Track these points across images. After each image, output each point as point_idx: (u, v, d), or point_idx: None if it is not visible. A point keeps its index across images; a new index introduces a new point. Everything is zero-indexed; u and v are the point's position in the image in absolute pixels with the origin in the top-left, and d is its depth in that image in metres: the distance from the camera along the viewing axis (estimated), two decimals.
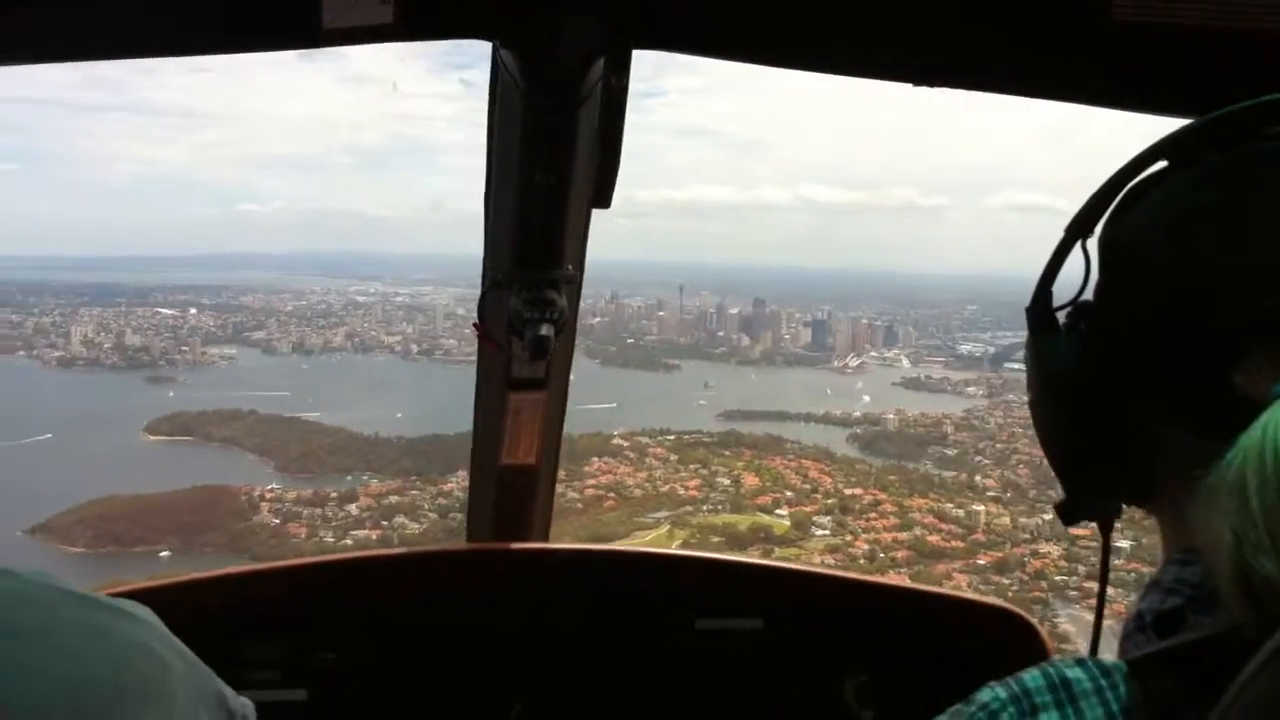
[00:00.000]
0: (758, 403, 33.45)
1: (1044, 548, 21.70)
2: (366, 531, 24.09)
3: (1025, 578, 21.34)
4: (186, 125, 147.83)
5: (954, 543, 23.18)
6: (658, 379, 36.45)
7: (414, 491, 25.59)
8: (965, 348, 34.92)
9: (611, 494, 25.71)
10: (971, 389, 32.29)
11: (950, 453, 27.83)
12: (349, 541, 23.45)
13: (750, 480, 26.31)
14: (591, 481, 25.94)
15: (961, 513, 23.67)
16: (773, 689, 3.11)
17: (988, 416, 29.34)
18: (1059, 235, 1.41)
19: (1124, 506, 1.48)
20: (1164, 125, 1.39)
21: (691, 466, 26.86)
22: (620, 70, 2.32)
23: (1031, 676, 1.20)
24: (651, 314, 39.20)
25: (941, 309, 39.41)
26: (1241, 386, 1.16)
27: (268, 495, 26.43)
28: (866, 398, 33.53)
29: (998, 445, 26.84)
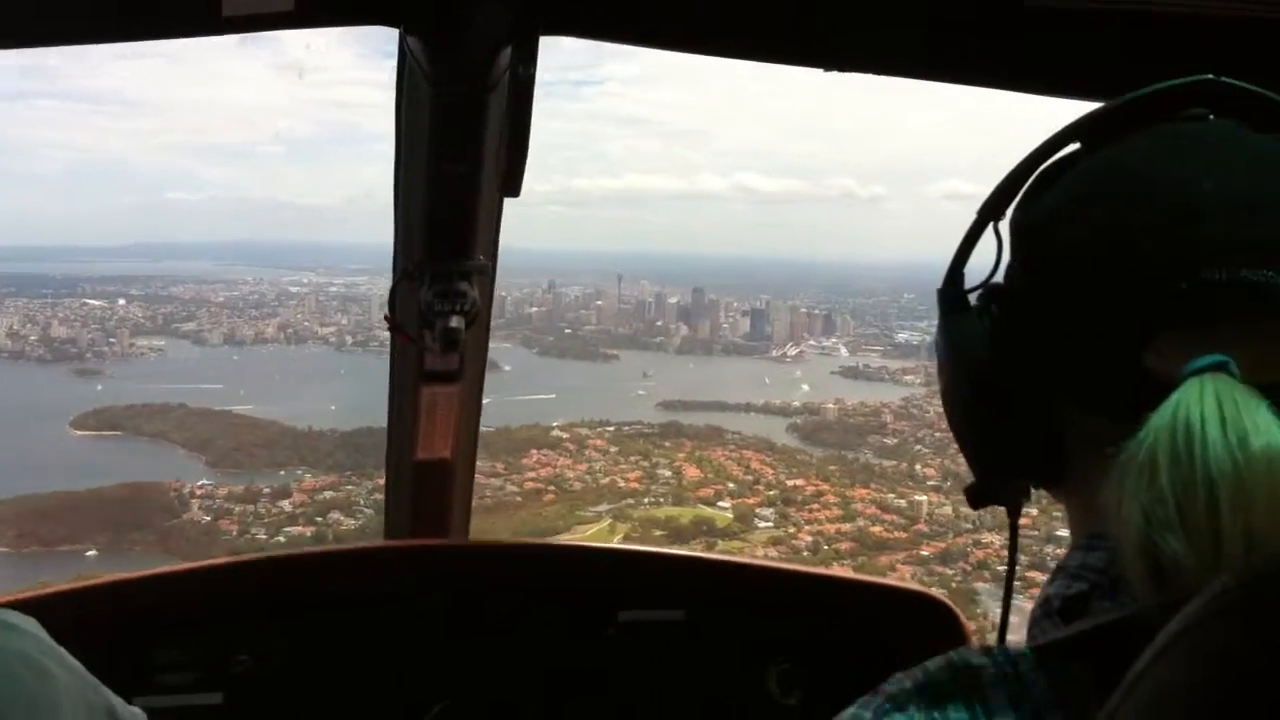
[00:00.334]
0: (697, 393, 33.41)
1: (986, 538, 21.85)
2: (300, 528, 23.56)
3: (969, 568, 21.52)
4: (119, 113, 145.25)
5: (897, 533, 23.28)
6: (596, 369, 36.29)
7: (349, 486, 25.15)
8: (902, 336, 35.18)
9: (551, 487, 25.49)
10: (909, 377, 32.50)
11: (890, 442, 28.05)
12: (282, 539, 22.97)
13: (691, 472, 26.22)
14: (531, 474, 25.71)
15: (904, 503, 23.81)
16: (696, 678, 3.12)
17: (926, 405, 29.42)
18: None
19: (1033, 491, 1.49)
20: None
21: (632, 458, 26.72)
22: (528, 58, 2.32)
23: (937, 666, 1.20)
24: (590, 303, 39.07)
25: (879, 298, 39.58)
26: (1152, 367, 1.17)
27: (198, 491, 25.82)
28: (806, 387, 33.68)
29: (937, 434, 26.87)
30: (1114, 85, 1.37)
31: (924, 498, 23.92)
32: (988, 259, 1.45)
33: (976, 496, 1.48)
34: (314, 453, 28.24)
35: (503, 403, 28.32)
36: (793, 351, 36.00)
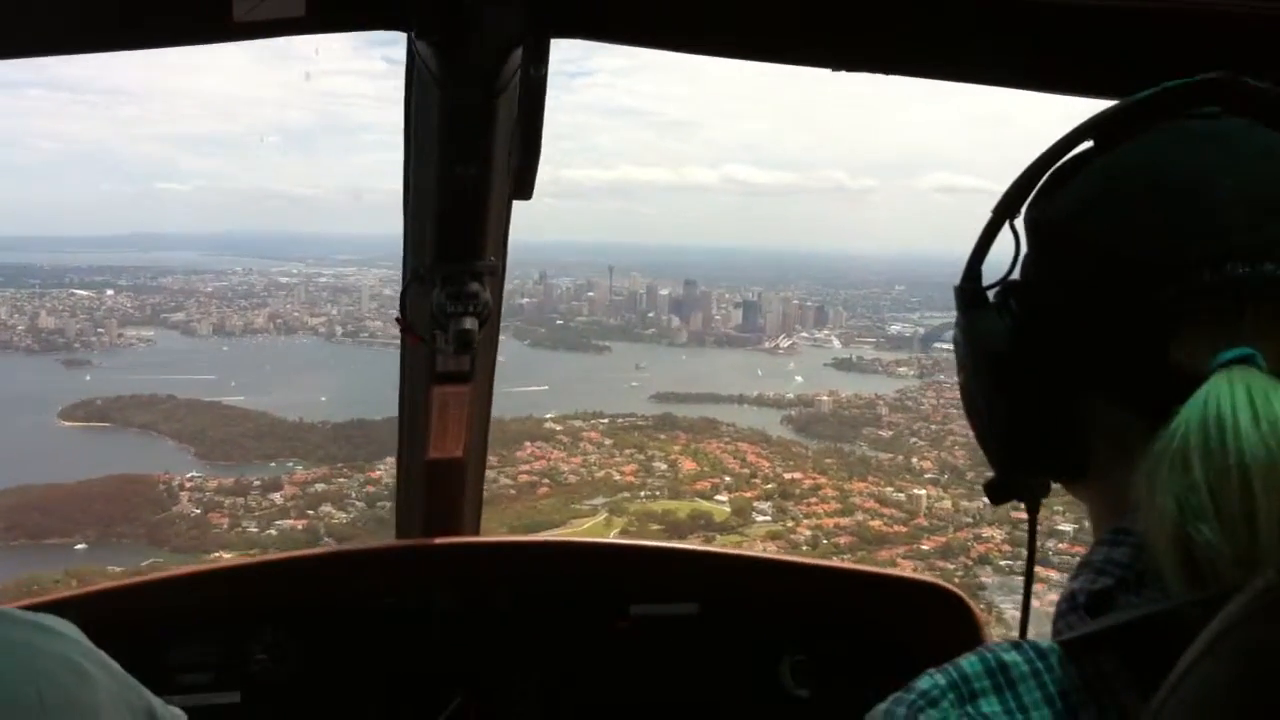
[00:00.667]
0: (690, 384, 33.26)
1: (987, 531, 21.76)
2: (291, 522, 23.31)
3: (970, 562, 21.36)
4: (106, 102, 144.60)
5: (896, 527, 23.09)
6: (588, 361, 36.20)
7: (341, 479, 24.87)
8: (895, 328, 35.17)
9: (546, 480, 25.30)
10: (903, 369, 32.47)
11: (885, 434, 27.86)
12: (273, 532, 22.76)
13: (687, 465, 26.04)
14: (525, 467, 25.45)
15: (902, 496, 23.61)
16: (710, 671, 3.20)
17: (920, 397, 29.40)
18: (985, 216, 1.44)
19: (1052, 485, 1.51)
20: (1093, 108, 1.40)
21: (627, 451, 26.48)
22: (539, 60, 2.34)
23: (969, 662, 1.22)
24: (581, 295, 38.97)
25: (870, 289, 39.64)
26: (1178, 361, 1.19)
27: (187, 484, 25.58)
28: (799, 379, 33.61)
29: (932, 426, 26.90)
30: (1123, 83, 1.40)
31: (923, 491, 23.71)
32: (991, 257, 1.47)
33: (997, 491, 1.50)
34: (304, 444, 27.99)
35: (495, 395, 28.07)
36: (785, 343, 35.95)
